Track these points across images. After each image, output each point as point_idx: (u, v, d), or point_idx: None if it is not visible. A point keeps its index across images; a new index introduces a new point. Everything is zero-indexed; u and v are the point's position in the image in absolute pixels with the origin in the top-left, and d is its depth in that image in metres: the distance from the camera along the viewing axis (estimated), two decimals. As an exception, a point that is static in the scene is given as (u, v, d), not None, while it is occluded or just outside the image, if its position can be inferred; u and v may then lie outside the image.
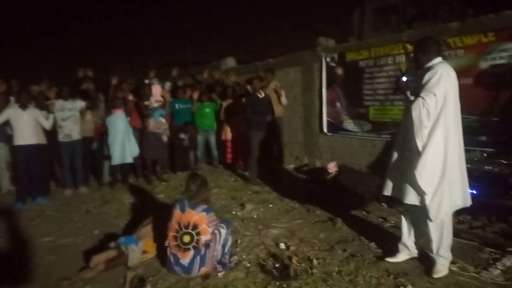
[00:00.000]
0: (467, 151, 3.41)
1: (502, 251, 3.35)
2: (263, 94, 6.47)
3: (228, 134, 7.41)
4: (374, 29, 21.56)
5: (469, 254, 3.35)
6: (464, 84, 4.55)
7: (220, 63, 9.83)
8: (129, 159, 6.41)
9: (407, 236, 3.29)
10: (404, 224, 3.30)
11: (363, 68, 6.20)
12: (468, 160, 3.72)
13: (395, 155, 3.23)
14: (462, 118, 3.07)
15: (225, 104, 7.52)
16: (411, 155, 3.00)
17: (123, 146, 6.29)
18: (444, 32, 5.07)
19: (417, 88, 2.96)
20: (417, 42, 3.23)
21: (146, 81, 7.65)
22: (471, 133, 4.50)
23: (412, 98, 2.95)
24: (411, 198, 3.01)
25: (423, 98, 2.82)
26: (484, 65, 4.62)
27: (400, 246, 3.31)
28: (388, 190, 3.29)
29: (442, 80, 2.83)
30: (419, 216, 3.16)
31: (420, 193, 2.93)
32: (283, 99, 7.05)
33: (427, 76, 2.91)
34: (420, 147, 2.89)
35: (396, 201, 3.32)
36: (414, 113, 2.86)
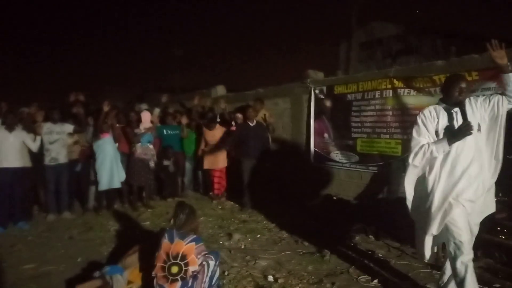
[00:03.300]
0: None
1: None
2: (254, 123, 6.58)
3: (216, 163, 7.22)
4: (360, 61, 22.23)
5: (456, 290, 3.36)
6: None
7: (211, 90, 9.91)
8: (116, 184, 6.35)
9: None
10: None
11: (351, 101, 6.34)
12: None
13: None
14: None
15: (212, 132, 7.41)
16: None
17: (111, 171, 6.24)
18: (430, 69, 5.27)
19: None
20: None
21: (136, 109, 7.68)
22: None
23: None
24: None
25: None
26: (468, 102, 4.77)
27: None
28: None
29: None
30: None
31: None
32: (271, 129, 7.15)
33: (475, 104, 2.89)
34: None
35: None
36: None
